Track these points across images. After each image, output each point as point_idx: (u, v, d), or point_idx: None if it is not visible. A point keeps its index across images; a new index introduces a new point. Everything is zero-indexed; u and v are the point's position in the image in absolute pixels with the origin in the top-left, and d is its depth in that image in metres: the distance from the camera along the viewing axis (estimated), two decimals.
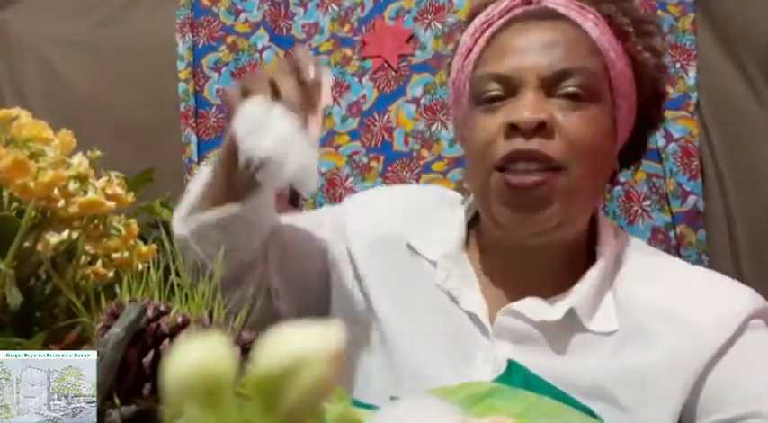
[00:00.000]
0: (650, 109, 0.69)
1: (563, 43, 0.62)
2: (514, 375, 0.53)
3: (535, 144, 0.59)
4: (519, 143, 0.60)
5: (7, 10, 1.59)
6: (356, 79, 1.41)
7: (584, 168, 0.60)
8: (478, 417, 0.36)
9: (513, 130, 0.60)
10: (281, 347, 0.18)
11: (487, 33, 0.65)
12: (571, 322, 0.61)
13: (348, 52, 1.42)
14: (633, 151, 0.71)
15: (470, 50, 0.66)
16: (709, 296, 0.61)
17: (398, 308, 0.68)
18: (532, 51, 0.62)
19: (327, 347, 0.18)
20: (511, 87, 0.62)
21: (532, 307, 0.62)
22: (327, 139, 1.41)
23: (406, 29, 1.41)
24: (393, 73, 1.38)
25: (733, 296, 0.61)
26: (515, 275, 0.66)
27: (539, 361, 0.59)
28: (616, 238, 0.67)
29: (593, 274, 0.63)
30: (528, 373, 0.54)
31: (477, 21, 0.67)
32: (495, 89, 0.63)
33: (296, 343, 0.18)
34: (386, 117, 1.39)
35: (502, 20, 0.66)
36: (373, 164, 1.39)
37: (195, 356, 0.18)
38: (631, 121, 0.67)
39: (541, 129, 0.60)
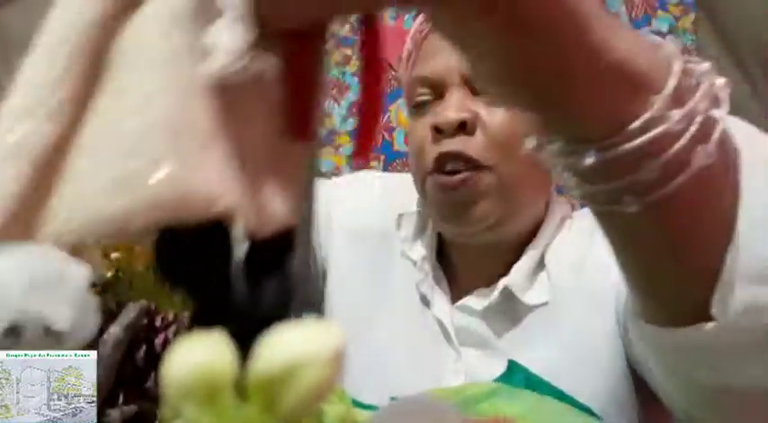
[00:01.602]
0: None
1: None
2: (515, 375, 0.53)
3: (457, 144, 0.59)
4: (444, 145, 0.59)
5: (7, 10, 1.59)
6: (356, 79, 1.40)
7: (513, 164, 0.59)
8: (480, 417, 0.36)
9: (438, 132, 0.59)
10: (281, 347, 0.18)
11: (420, 37, 0.66)
12: (509, 303, 0.62)
13: (348, 52, 1.42)
14: None
15: (410, 55, 0.67)
16: None
17: (372, 302, 0.68)
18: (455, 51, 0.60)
19: (327, 347, 0.18)
20: (437, 89, 0.61)
21: (475, 298, 0.64)
22: (328, 139, 1.41)
23: (407, 29, 1.41)
24: (393, 73, 1.38)
25: None
26: (476, 275, 0.66)
27: (501, 364, 0.60)
28: (569, 219, 0.66)
29: (528, 253, 0.64)
30: (528, 373, 0.54)
31: (416, 25, 0.68)
32: (423, 93, 0.62)
33: (296, 343, 0.18)
34: (386, 117, 1.39)
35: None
36: (373, 163, 1.39)
37: (194, 356, 0.18)
38: None
39: (463, 128, 0.59)
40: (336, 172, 1.39)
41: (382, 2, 0.22)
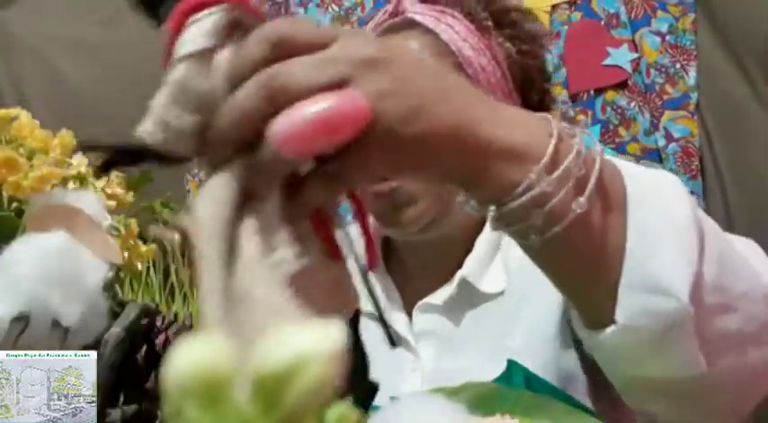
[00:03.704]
0: (529, 93, 0.71)
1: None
2: (514, 375, 0.53)
3: None
4: None
5: (7, 9, 1.59)
6: None
7: None
8: (481, 416, 0.36)
9: None
10: (281, 347, 0.18)
11: None
12: (467, 293, 0.64)
13: None
14: None
15: None
16: None
17: None
18: None
19: (327, 347, 0.18)
20: None
21: (435, 294, 0.65)
22: None
23: None
24: None
25: None
26: (431, 273, 0.67)
27: (461, 356, 0.61)
28: None
29: (479, 242, 0.65)
30: (528, 373, 0.54)
31: None
32: None
33: (296, 342, 0.18)
34: None
35: (376, 35, 0.69)
36: None
37: (195, 356, 0.18)
38: None
39: None
40: None
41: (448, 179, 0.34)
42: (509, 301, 0.63)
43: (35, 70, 1.55)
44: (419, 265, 0.67)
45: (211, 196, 0.28)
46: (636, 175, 0.38)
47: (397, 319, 0.66)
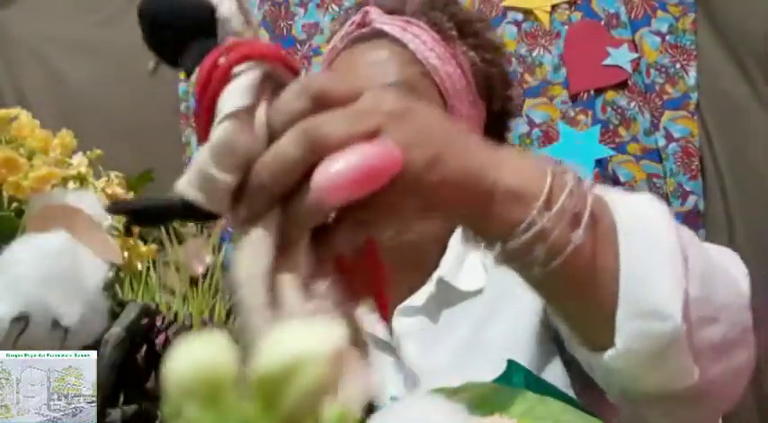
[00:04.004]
0: (492, 100, 0.74)
1: (382, 60, 0.69)
2: (514, 375, 0.53)
3: None
4: None
5: (7, 9, 1.59)
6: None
7: None
8: (481, 417, 0.36)
9: None
10: (282, 346, 0.18)
11: (329, 59, 0.72)
12: (445, 292, 0.65)
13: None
14: (493, 142, 0.77)
15: None
16: None
17: None
18: (355, 73, 0.69)
19: (327, 347, 0.18)
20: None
21: (415, 296, 0.66)
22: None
23: None
24: None
25: None
26: (408, 278, 0.68)
27: (440, 354, 0.62)
28: None
29: (452, 243, 0.66)
30: (527, 373, 0.54)
31: (326, 50, 0.73)
32: None
33: (296, 342, 0.18)
34: None
35: (344, 45, 0.72)
36: None
37: (195, 356, 0.18)
38: (478, 117, 0.73)
39: None
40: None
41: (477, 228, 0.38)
42: (488, 299, 0.64)
43: (35, 70, 1.55)
44: (395, 269, 0.68)
45: (252, 252, 0.29)
46: (622, 205, 0.41)
47: (377, 324, 0.66)
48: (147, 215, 0.31)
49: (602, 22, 1.34)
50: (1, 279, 0.37)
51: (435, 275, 0.66)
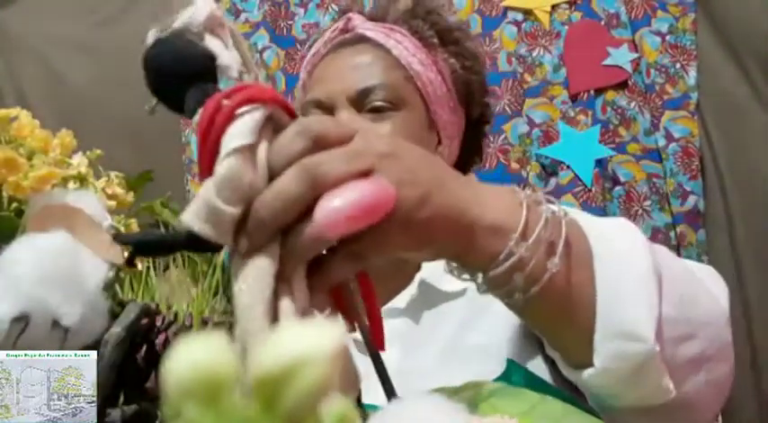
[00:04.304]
0: (471, 107, 0.77)
1: (366, 64, 0.72)
2: (513, 375, 0.53)
3: None
4: None
5: (7, 9, 1.59)
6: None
7: None
8: (482, 416, 0.36)
9: None
10: (282, 347, 0.18)
11: (311, 67, 0.75)
12: (427, 293, 0.66)
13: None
14: (471, 148, 0.79)
15: (305, 83, 0.75)
16: None
17: None
18: (339, 76, 0.71)
19: (327, 347, 0.18)
20: (327, 110, 0.70)
21: (397, 298, 0.67)
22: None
23: None
24: None
25: None
26: (390, 281, 0.68)
27: (421, 355, 0.62)
28: None
29: None
30: (528, 373, 0.54)
31: (309, 55, 0.76)
32: (315, 114, 0.70)
33: (296, 343, 0.18)
34: None
35: (327, 50, 0.75)
36: None
37: (195, 356, 0.18)
38: (458, 123, 0.76)
39: None
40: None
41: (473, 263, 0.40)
42: (471, 299, 0.65)
43: (35, 70, 1.55)
44: (377, 272, 0.69)
45: (253, 282, 0.31)
46: (596, 232, 0.43)
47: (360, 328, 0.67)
48: (152, 247, 0.32)
49: (603, 23, 1.34)
50: (1, 279, 0.37)
51: (417, 277, 0.67)
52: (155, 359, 0.41)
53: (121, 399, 0.39)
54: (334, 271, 0.35)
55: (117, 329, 0.38)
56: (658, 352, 0.41)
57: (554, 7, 1.36)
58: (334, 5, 1.46)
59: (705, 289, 0.49)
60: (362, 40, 0.74)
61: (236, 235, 0.32)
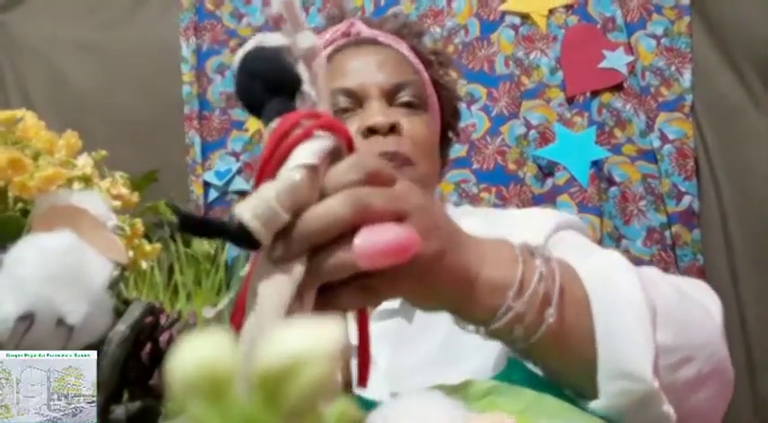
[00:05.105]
0: (451, 122, 0.84)
1: (392, 63, 0.76)
2: (514, 373, 0.54)
3: (392, 143, 0.70)
4: (379, 144, 0.70)
5: (12, 11, 1.59)
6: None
7: (427, 163, 0.74)
8: (480, 414, 0.36)
9: (370, 132, 0.71)
10: (283, 345, 0.18)
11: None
12: None
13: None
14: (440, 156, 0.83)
15: None
16: (520, 222, 0.71)
17: None
18: (371, 69, 0.75)
19: (328, 345, 0.18)
20: (358, 100, 0.74)
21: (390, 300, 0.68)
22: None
23: None
24: None
25: (540, 215, 0.73)
26: None
27: (411, 352, 0.63)
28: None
29: None
30: (528, 371, 0.54)
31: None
32: (344, 102, 0.74)
33: (297, 341, 0.18)
34: None
35: (328, 49, 0.77)
36: None
37: (199, 353, 0.18)
38: (438, 131, 0.81)
39: (393, 130, 0.71)
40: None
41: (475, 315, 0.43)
42: None
43: (40, 72, 1.55)
44: None
45: (277, 288, 0.33)
46: (589, 273, 0.46)
47: (351, 329, 0.67)
48: (199, 225, 0.34)
49: (599, 26, 1.35)
50: (7, 278, 0.38)
51: None
52: (159, 357, 0.41)
53: (126, 396, 0.40)
54: (345, 299, 0.37)
55: (121, 327, 0.38)
56: (657, 388, 0.43)
57: (551, 11, 1.37)
58: (335, 10, 1.46)
59: (698, 307, 0.51)
60: (377, 43, 0.78)
61: (273, 241, 0.34)
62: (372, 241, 0.34)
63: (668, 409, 0.44)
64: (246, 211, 0.33)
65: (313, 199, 0.34)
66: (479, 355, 0.59)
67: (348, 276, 0.35)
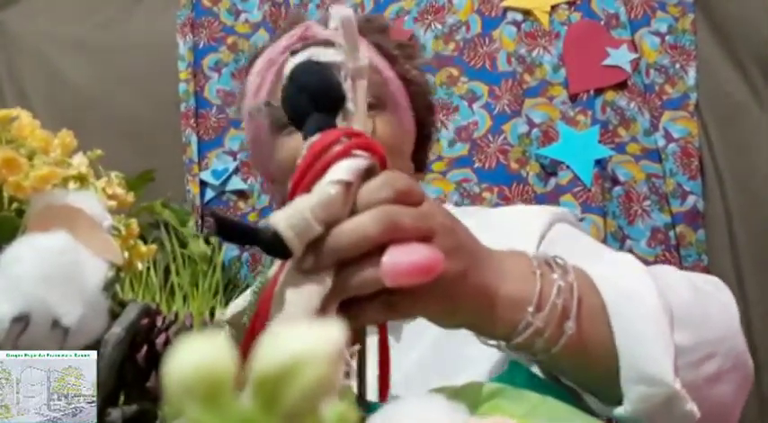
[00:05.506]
0: (425, 118, 0.82)
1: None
2: (516, 376, 0.53)
3: None
4: None
5: (9, 10, 1.59)
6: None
7: (394, 163, 0.70)
8: (482, 417, 0.36)
9: None
10: (282, 346, 0.18)
11: (273, 69, 0.76)
12: None
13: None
14: (419, 156, 0.83)
15: (260, 87, 0.76)
16: (512, 220, 0.71)
17: None
18: None
19: (327, 346, 0.18)
20: None
21: None
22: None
23: (407, 29, 1.42)
24: None
25: (533, 213, 0.73)
26: None
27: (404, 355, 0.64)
28: None
29: None
30: (531, 373, 0.54)
31: (261, 61, 0.77)
32: None
33: (295, 342, 0.18)
34: None
35: (283, 56, 0.75)
36: None
37: (196, 356, 0.18)
38: (413, 130, 0.80)
39: None
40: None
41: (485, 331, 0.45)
42: None
43: (36, 70, 1.55)
44: None
45: (303, 298, 0.35)
46: (605, 281, 0.47)
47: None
48: (236, 231, 0.35)
49: (602, 23, 1.34)
50: (1, 279, 0.37)
51: None
52: (155, 359, 0.41)
53: (122, 398, 0.40)
54: (368, 313, 0.38)
55: (117, 329, 0.38)
56: (680, 390, 0.44)
57: (553, 8, 1.36)
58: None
59: (715, 301, 0.52)
60: (330, 45, 0.77)
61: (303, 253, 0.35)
62: (399, 261, 0.35)
63: (692, 407, 0.45)
64: (281, 221, 0.34)
65: (345, 214, 0.36)
66: (472, 364, 0.60)
67: (373, 294, 0.37)
